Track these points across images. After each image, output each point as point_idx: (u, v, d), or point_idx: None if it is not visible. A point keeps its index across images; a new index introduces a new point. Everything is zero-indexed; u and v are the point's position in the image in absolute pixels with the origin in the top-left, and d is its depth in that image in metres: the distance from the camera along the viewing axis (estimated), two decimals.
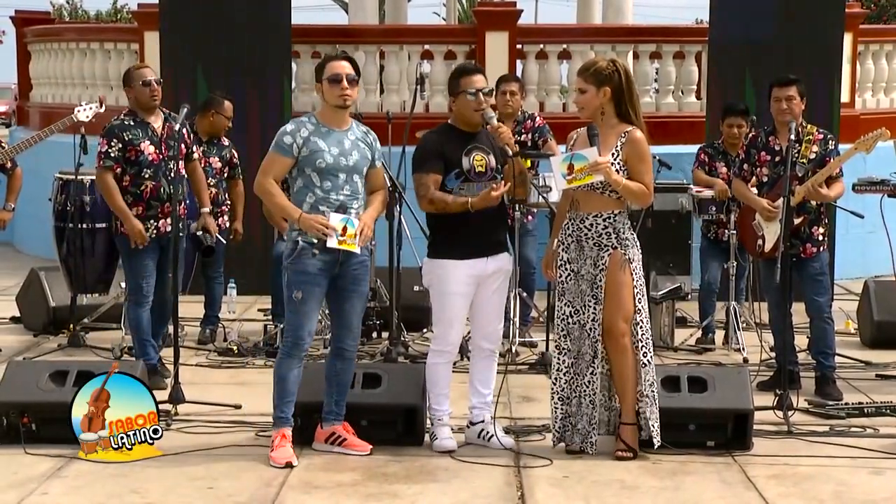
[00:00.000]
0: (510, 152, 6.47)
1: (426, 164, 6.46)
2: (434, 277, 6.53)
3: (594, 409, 6.38)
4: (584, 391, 6.38)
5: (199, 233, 8.28)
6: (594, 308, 6.34)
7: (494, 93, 9.29)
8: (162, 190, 7.73)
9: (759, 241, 7.82)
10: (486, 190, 6.38)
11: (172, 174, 7.69)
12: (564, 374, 6.42)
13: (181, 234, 7.72)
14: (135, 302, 7.81)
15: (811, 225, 7.65)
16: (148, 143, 7.72)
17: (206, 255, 8.76)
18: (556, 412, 6.45)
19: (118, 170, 7.72)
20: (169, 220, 7.71)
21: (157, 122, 7.82)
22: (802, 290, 7.76)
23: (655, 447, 6.37)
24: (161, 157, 7.74)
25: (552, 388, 6.47)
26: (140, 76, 7.81)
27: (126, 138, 7.71)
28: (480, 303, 6.57)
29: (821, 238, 7.72)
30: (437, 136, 6.57)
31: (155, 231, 7.74)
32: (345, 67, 6.34)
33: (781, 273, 7.15)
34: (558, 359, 6.44)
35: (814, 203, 7.63)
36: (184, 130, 7.89)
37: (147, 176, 7.71)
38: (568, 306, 6.41)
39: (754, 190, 7.91)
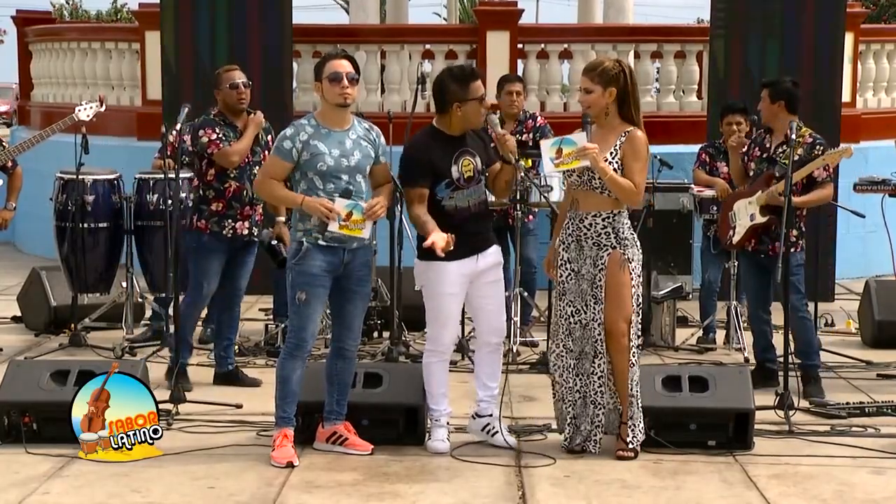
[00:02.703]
0: (512, 160, 6.45)
1: (413, 178, 6.40)
2: (426, 279, 6.51)
3: (595, 408, 6.38)
4: (587, 391, 6.38)
5: (274, 242, 8.15)
6: (594, 308, 6.34)
7: (498, 93, 9.37)
8: (244, 192, 7.73)
9: (731, 232, 7.88)
10: (437, 236, 6.22)
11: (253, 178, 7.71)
12: (567, 374, 6.41)
13: (251, 237, 7.76)
14: (191, 299, 7.77)
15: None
16: (233, 145, 7.65)
17: (282, 266, 8.65)
18: (563, 413, 6.44)
19: (204, 162, 7.71)
20: (247, 224, 7.74)
21: (243, 125, 7.76)
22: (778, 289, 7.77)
23: (639, 442, 6.38)
24: (247, 160, 7.72)
25: (554, 389, 6.47)
26: (228, 79, 7.76)
27: (226, 131, 7.70)
28: (479, 299, 6.57)
29: (793, 239, 7.69)
30: (424, 145, 6.45)
31: (231, 231, 7.71)
32: (345, 66, 6.31)
33: (782, 272, 7.14)
34: (564, 360, 6.43)
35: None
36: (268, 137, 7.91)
37: (232, 176, 7.72)
38: (569, 306, 6.41)
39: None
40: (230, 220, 7.71)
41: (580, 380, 6.39)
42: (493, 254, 6.58)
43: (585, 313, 6.36)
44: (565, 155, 6.29)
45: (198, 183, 7.86)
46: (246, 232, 7.78)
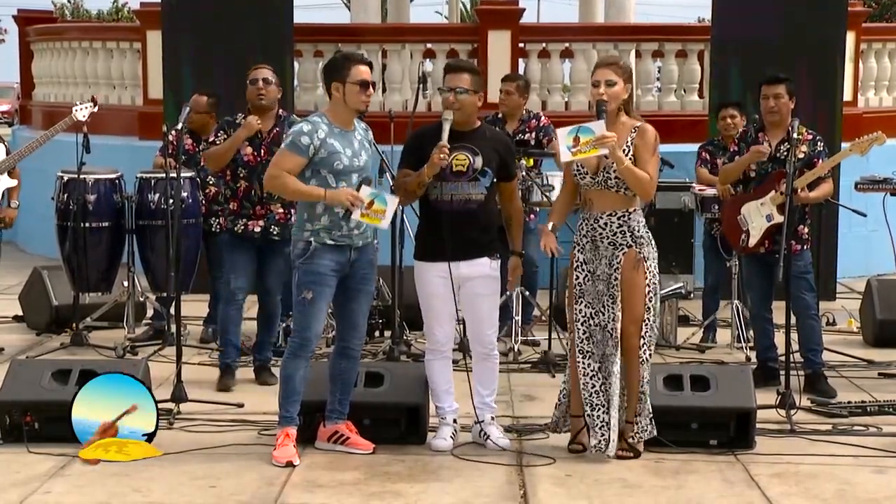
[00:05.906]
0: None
1: (401, 159, 6.64)
2: (416, 277, 6.61)
3: (617, 411, 6.30)
4: (612, 393, 6.28)
5: None
6: (612, 308, 6.30)
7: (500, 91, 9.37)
8: (253, 192, 7.70)
9: (744, 236, 7.85)
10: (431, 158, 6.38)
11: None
12: (592, 379, 6.34)
13: (269, 236, 7.76)
14: (220, 296, 8.08)
15: (795, 223, 7.64)
16: (247, 143, 7.66)
17: None
18: (594, 419, 6.30)
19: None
20: (261, 223, 7.73)
21: (266, 124, 7.72)
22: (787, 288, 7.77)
23: (642, 438, 6.37)
24: (259, 159, 7.65)
25: (582, 394, 6.35)
26: (251, 75, 7.82)
27: (230, 133, 7.72)
28: (468, 307, 6.60)
29: (805, 237, 7.75)
30: (423, 132, 6.62)
31: (242, 228, 7.75)
32: (370, 74, 6.39)
33: (784, 271, 7.12)
34: (583, 363, 6.35)
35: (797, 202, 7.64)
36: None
37: (242, 175, 7.74)
38: (588, 307, 6.37)
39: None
40: (243, 219, 7.75)
41: (607, 382, 6.30)
42: (483, 265, 6.53)
43: (604, 314, 6.33)
44: (582, 143, 6.20)
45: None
46: (258, 230, 7.73)
